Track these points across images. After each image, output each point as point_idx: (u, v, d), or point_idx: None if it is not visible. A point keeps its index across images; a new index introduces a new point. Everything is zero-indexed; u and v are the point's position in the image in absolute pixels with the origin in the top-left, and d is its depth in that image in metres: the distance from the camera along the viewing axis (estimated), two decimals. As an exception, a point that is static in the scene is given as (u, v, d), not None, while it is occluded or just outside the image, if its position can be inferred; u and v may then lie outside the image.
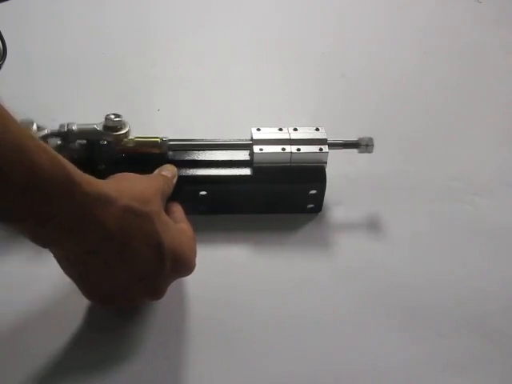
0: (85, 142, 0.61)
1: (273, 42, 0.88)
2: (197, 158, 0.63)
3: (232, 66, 0.84)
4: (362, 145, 0.64)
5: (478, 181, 0.70)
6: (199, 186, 0.62)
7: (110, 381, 0.51)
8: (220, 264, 0.60)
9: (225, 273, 0.60)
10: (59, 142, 0.60)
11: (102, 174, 0.60)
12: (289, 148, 0.62)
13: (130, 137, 0.62)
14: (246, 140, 0.64)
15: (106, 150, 0.61)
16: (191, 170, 0.62)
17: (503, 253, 0.63)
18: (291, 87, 0.81)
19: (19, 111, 0.60)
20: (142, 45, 0.86)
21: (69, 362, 0.52)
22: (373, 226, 0.65)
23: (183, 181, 0.60)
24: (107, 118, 0.61)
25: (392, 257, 0.62)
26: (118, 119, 0.61)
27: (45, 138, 0.60)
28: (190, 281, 0.55)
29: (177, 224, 0.55)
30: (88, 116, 0.61)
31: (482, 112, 0.79)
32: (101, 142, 0.61)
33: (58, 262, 0.50)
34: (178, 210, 0.58)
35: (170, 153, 0.63)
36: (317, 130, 0.64)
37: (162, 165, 0.60)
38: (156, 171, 0.59)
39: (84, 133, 0.61)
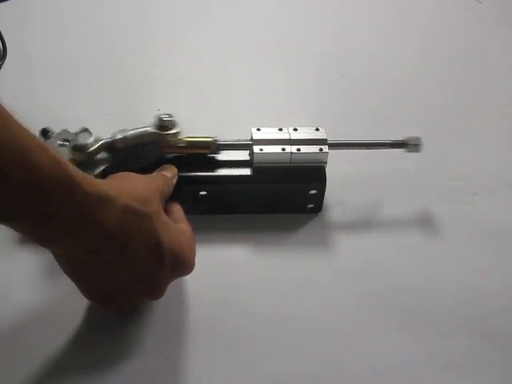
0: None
1: (273, 42, 0.88)
2: (197, 158, 0.63)
3: (232, 66, 0.84)
4: (409, 144, 0.64)
5: (478, 181, 0.70)
6: (199, 186, 0.62)
7: (110, 381, 0.51)
8: (220, 264, 0.60)
9: (225, 273, 0.60)
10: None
11: (103, 174, 0.61)
12: (289, 148, 0.62)
13: (180, 136, 0.62)
14: (245, 140, 0.64)
15: (150, 151, 0.61)
16: (191, 170, 0.62)
17: (503, 253, 0.63)
18: (291, 87, 0.81)
19: (19, 111, 0.60)
20: (141, 45, 0.86)
21: (68, 362, 0.52)
22: (373, 225, 0.65)
23: (183, 181, 0.60)
24: (159, 118, 0.61)
25: (392, 257, 0.62)
26: (170, 119, 0.61)
27: (99, 150, 0.59)
28: (189, 281, 0.55)
29: (176, 224, 0.55)
30: (88, 116, 0.62)
31: (482, 112, 0.79)
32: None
33: (58, 261, 0.50)
34: (177, 210, 0.58)
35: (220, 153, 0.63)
36: (317, 130, 0.64)
37: (208, 165, 0.61)
38: (156, 171, 0.59)
39: (137, 137, 0.61)
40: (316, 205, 0.65)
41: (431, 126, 0.76)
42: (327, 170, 0.63)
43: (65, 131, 0.61)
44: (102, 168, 0.59)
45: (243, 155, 0.64)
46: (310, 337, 0.55)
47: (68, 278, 0.51)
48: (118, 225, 0.47)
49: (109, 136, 0.60)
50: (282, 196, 0.64)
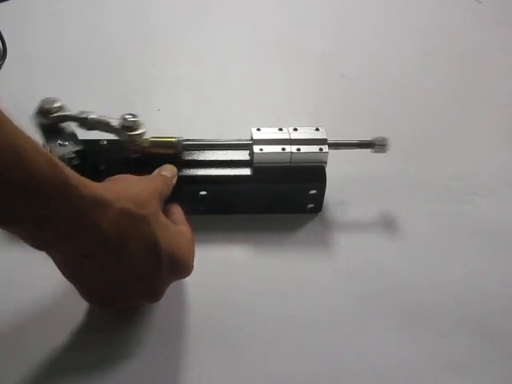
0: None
1: (273, 42, 0.88)
2: (197, 158, 0.63)
3: (232, 66, 0.84)
4: (376, 144, 0.64)
5: (478, 181, 0.70)
6: (199, 186, 0.62)
7: (110, 381, 0.51)
8: (220, 264, 0.60)
9: (225, 273, 0.60)
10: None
11: (102, 175, 0.61)
12: (289, 148, 0.62)
13: (145, 137, 0.62)
14: (246, 140, 0.64)
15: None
16: (191, 170, 0.62)
17: (503, 253, 0.63)
18: (291, 87, 0.81)
19: (19, 111, 0.61)
20: (141, 45, 0.86)
21: (68, 362, 0.52)
22: (373, 225, 0.65)
23: (183, 181, 0.60)
24: (124, 118, 0.61)
25: (392, 257, 0.62)
26: (134, 119, 0.61)
27: (63, 118, 0.61)
28: (189, 281, 0.55)
29: (176, 226, 0.55)
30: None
31: (482, 112, 0.79)
32: (100, 143, 0.61)
33: (57, 264, 0.50)
34: (177, 211, 0.58)
35: (186, 153, 0.63)
36: (317, 130, 0.64)
37: (176, 165, 0.60)
38: (156, 171, 0.59)
39: (99, 124, 0.61)
40: (316, 205, 0.65)
41: (431, 126, 0.76)
42: (327, 169, 0.63)
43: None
44: (70, 149, 0.60)
45: (243, 155, 0.64)
46: (309, 337, 0.55)
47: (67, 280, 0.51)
48: (114, 228, 0.47)
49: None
50: (282, 196, 0.64)
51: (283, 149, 0.62)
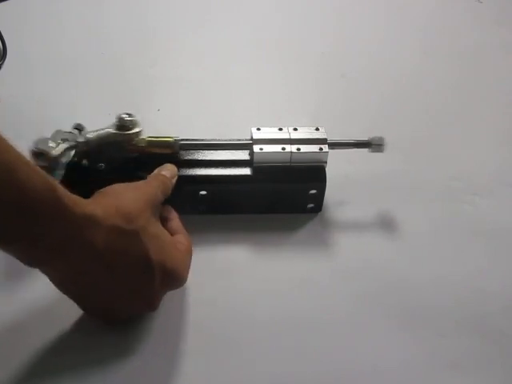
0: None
1: (273, 42, 0.88)
2: (197, 158, 0.63)
3: (232, 65, 0.84)
4: (373, 144, 0.64)
5: (478, 181, 0.70)
6: (199, 186, 0.62)
7: (110, 381, 0.51)
8: (220, 264, 0.60)
9: (224, 273, 0.60)
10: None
11: (101, 175, 0.61)
12: (289, 148, 0.62)
13: (142, 136, 0.62)
14: (246, 140, 0.64)
15: (114, 150, 0.61)
16: (191, 170, 0.62)
17: (503, 253, 0.63)
18: (291, 87, 0.81)
19: (19, 111, 0.61)
20: (141, 45, 0.86)
21: (68, 362, 0.52)
22: (373, 225, 0.65)
23: (183, 181, 0.60)
24: (120, 118, 0.61)
25: (392, 257, 0.62)
26: (130, 118, 0.61)
27: (61, 155, 0.59)
28: (189, 281, 0.55)
29: (171, 235, 0.55)
30: (88, 116, 0.62)
31: (482, 112, 0.79)
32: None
33: (52, 282, 0.50)
34: (174, 217, 0.58)
35: (182, 152, 0.63)
36: (317, 129, 0.64)
37: (176, 164, 0.60)
38: (156, 171, 0.59)
39: (101, 139, 0.60)
40: (316, 204, 0.65)
41: (431, 126, 0.76)
42: (327, 169, 0.63)
43: (59, 132, 0.61)
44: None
45: (243, 155, 0.64)
46: (309, 337, 0.55)
47: None
48: (105, 244, 0.47)
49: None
50: (282, 196, 0.64)
51: (283, 148, 0.62)
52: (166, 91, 0.79)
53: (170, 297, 0.55)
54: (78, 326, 0.54)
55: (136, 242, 0.49)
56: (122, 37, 0.87)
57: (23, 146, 0.63)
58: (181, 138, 0.62)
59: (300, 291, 0.59)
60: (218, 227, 0.63)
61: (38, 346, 0.53)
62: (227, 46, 0.87)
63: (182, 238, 0.56)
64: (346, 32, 0.91)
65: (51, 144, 0.58)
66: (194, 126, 0.72)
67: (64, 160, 0.59)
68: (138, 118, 0.61)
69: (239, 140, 0.64)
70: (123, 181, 0.55)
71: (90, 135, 0.60)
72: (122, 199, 0.51)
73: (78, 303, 0.52)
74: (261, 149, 0.62)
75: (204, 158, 0.63)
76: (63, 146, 0.59)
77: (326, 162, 0.63)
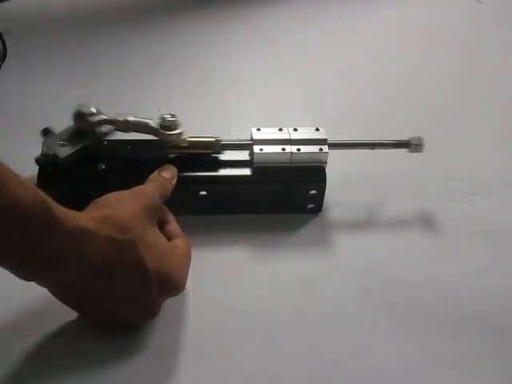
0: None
1: (273, 42, 0.87)
2: (197, 158, 0.63)
3: (232, 65, 0.84)
4: (412, 144, 0.64)
5: (478, 181, 0.70)
6: (199, 186, 0.62)
7: (110, 381, 0.51)
8: (220, 264, 0.60)
9: (225, 273, 0.60)
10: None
11: (101, 175, 0.61)
12: (289, 148, 0.62)
13: (183, 137, 0.62)
14: (246, 140, 0.64)
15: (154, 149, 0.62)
16: (191, 170, 0.62)
17: (503, 253, 0.63)
18: (291, 87, 0.81)
19: (19, 111, 0.61)
20: (141, 44, 0.86)
21: (68, 361, 0.52)
22: (373, 225, 0.65)
23: (183, 181, 0.60)
24: (163, 118, 0.61)
25: (392, 257, 0.62)
26: (173, 119, 0.61)
27: (99, 123, 0.61)
28: (189, 281, 0.55)
29: (169, 238, 0.55)
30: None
31: (482, 112, 0.79)
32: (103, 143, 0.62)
33: (50, 292, 0.50)
34: (172, 220, 0.58)
35: (223, 153, 0.63)
36: (317, 130, 0.64)
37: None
38: (155, 172, 0.59)
39: (138, 126, 0.61)
40: (316, 205, 0.65)
41: (431, 126, 0.76)
42: (327, 169, 0.63)
43: (64, 131, 0.62)
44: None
45: (243, 155, 0.64)
46: (309, 337, 0.55)
47: None
48: (99, 256, 0.48)
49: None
50: (282, 196, 0.64)
51: (283, 149, 0.62)
52: (166, 91, 0.79)
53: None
54: (79, 326, 0.54)
55: (132, 252, 0.49)
56: (121, 36, 0.87)
57: (23, 147, 0.64)
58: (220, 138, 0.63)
59: (300, 291, 0.59)
60: (217, 227, 0.63)
61: (38, 345, 0.53)
62: (227, 45, 0.87)
63: (180, 242, 0.56)
64: (347, 32, 0.91)
65: (92, 109, 0.60)
66: (194, 126, 0.72)
67: (103, 129, 0.61)
68: (179, 118, 0.62)
69: (239, 140, 0.64)
70: (123, 181, 0.55)
71: (130, 118, 0.61)
72: (116, 209, 0.51)
73: (78, 312, 0.52)
74: (261, 149, 0.62)
75: (204, 158, 0.63)
76: (103, 116, 0.61)
77: (325, 163, 0.63)
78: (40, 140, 0.61)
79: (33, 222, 0.44)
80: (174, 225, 0.57)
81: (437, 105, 0.80)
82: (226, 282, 0.59)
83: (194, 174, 0.62)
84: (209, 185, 0.63)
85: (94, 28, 0.88)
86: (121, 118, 0.61)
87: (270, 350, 0.54)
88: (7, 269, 0.46)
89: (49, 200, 0.45)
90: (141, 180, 0.57)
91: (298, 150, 0.62)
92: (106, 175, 0.61)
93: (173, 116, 0.61)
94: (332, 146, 0.63)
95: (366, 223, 0.65)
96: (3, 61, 0.81)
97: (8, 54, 0.81)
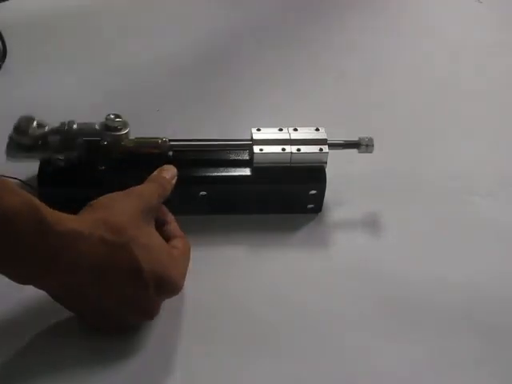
0: (83, 141, 0.61)
1: (272, 42, 0.87)
2: (197, 158, 0.63)
3: (232, 65, 0.84)
4: (362, 145, 0.64)
5: (478, 181, 0.70)
6: (199, 186, 0.62)
7: (110, 381, 0.51)
8: (220, 264, 0.60)
9: (224, 273, 0.60)
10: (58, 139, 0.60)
11: (101, 175, 0.61)
12: (289, 148, 0.62)
13: (131, 137, 0.62)
14: (245, 140, 0.64)
15: (105, 150, 0.61)
16: (191, 170, 0.62)
17: (503, 253, 0.63)
18: (291, 87, 0.81)
19: (19, 111, 0.61)
20: (141, 44, 0.86)
21: (68, 361, 0.52)
22: (373, 226, 0.65)
23: (183, 181, 0.60)
24: (107, 118, 0.61)
25: (392, 257, 0.62)
26: (118, 119, 0.61)
27: (45, 135, 0.60)
28: (189, 281, 0.55)
29: (168, 239, 0.55)
30: (88, 116, 0.61)
31: (482, 112, 0.79)
32: (101, 143, 0.61)
33: (49, 295, 0.50)
34: (171, 220, 0.57)
35: (170, 153, 0.63)
36: (317, 130, 0.64)
37: (162, 165, 0.60)
38: (155, 172, 0.59)
39: (84, 131, 0.61)
40: (316, 205, 0.65)
41: (431, 126, 0.76)
42: (327, 170, 0.63)
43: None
44: (48, 154, 0.60)
45: (243, 155, 0.64)
46: (309, 337, 0.55)
47: None
48: (93, 258, 0.48)
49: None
50: (282, 196, 0.64)
51: (283, 149, 0.62)
52: (166, 91, 0.79)
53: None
54: (78, 326, 0.54)
55: (126, 254, 0.49)
56: (121, 36, 0.87)
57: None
58: (173, 138, 0.62)
59: (300, 291, 0.59)
60: (217, 227, 0.63)
61: (38, 345, 0.53)
62: (227, 45, 0.87)
63: (178, 242, 0.55)
64: (347, 32, 0.91)
65: (34, 124, 0.59)
66: (194, 126, 0.72)
67: (43, 142, 0.60)
68: (125, 119, 0.61)
69: (239, 140, 0.64)
70: (123, 181, 0.55)
71: (74, 125, 0.61)
72: (111, 211, 0.51)
73: (76, 315, 0.52)
74: (261, 149, 0.62)
75: (204, 159, 0.63)
76: (45, 128, 0.60)
77: (325, 163, 0.63)
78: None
79: (24, 229, 0.44)
80: (173, 225, 0.57)
81: (437, 105, 0.80)
82: (226, 281, 0.59)
83: (193, 174, 0.62)
84: (209, 185, 0.63)
85: (94, 27, 0.88)
86: (64, 127, 0.60)
87: (269, 350, 0.54)
88: (2, 274, 0.46)
89: (40, 205, 0.46)
90: (140, 180, 0.57)
91: (298, 150, 0.62)
92: (106, 176, 0.61)
93: (117, 116, 0.61)
94: (332, 146, 0.63)
95: (365, 223, 0.65)
96: (3, 60, 0.81)
97: (8, 53, 0.81)
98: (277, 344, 0.55)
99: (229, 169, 0.63)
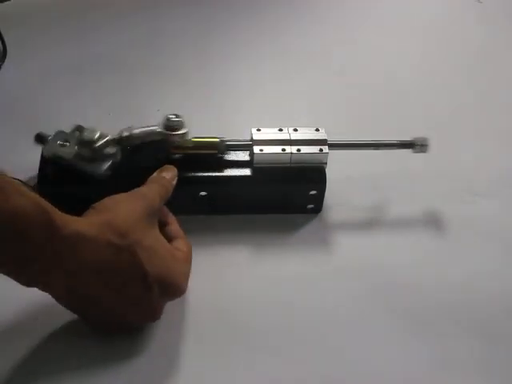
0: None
1: (272, 42, 0.87)
2: (197, 158, 0.63)
3: (232, 65, 0.84)
4: (417, 145, 0.64)
5: (479, 181, 0.70)
6: (199, 186, 0.62)
7: (110, 381, 0.51)
8: (220, 264, 0.60)
9: (225, 273, 0.60)
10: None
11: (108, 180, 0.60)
12: (289, 148, 0.62)
13: (188, 137, 0.62)
14: (245, 140, 0.64)
15: (158, 150, 0.61)
16: (191, 170, 0.62)
17: (504, 253, 0.63)
18: (291, 87, 0.81)
19: (19, 111, 0.61)
20: (141, 44, 0.86)
21: (68, 361, 0.52)
22: (373, 225, 0.65)
23: (183, 181, 0.60)
24: (167, 119, 0.61)
25: (392, 257, 0.62)
26: (178, 119, 0.61)
27: (105, 145, 0.60)
28: (190, 281, 0.55)
29: (170, 240, 0.55)
30: (88, 116, 0.62)
31: (482, 112, 0.79)
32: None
33: (53, 297, 0.50)
34: (172, 221, 0.58)
35: (227, 153, 0.63)
36: (317, 130, 0.64)
37: (209, 166, 0.61)
38: (155, 173, 0.59)
39: (145, 136, 0.61)
40: (316, 205, 0.65)
41: (431, 126, 0.76)
42: (327, 170, 0.63)
43: (61, 132, 0.61)
44: (109, 162, 0.60)
45: (243, 156, 0.64)
46: (310, 337, 0.55)
47: None
48: (99, 261, 0.48)
49: (115, 133, 0.61)
50: (282, 196, 0.64)
51: (283, 149, 0.62)
52: (166, 91, 0.79)
53: (170, 297, 0.55)
54: (79, 327, 0.54)
55: (131, 257, 0.49)
56: (122, 36, 0.87)
57: (23, 147, 0.64)
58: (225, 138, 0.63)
59: (300, 292, 0.59)
60: (218, 228, 0.63)
61: (38, 345, 0.53)
62: (227, 45, 0.87)
63: (180, 243, 0.56)
64: (347, 32, 0.91)
65: (96, 135, 0.59)
66: (195, 126, 0.72)
67: (108, 151, 0.60)
68: (184, 119, 0.61)
69: (239, 140, 0.64)
70: (123, 182, 0.55)
71: (135, 131, 0.61)
72: (115, 213, 0.51)
73: (79, 316, 0.53)
74: (261, 150, 0.62)
75: (204, 158, 0.63)
76: (108, 137, 0.60)
77: (325, 163, 0.63)
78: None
79: (34, 231, 0.44)
80: (174, 226, 0.57)
81: (437, 105, 0.80)
82: (226, 282, 0.59)
83: (194, 174, 0.62)
84: (209, 185, 0.63)
85: (94, 27, 0.88)
86: (126, 134, 0.61)
87: (270, 350, 0.54)
88: (8, 275, 0.46)
89: (49, 208, 0.46)
90: (142, 181, 0.57)
91: (298, 150, 0.62)
92: (111, 180, 0.61)
93: (177, 116, 0.61)
94: (332, 146, 0.63)
95: (366, 223, 0.65)
96: (3, 60, 0.81)
97: (8, 53, 0.81)
98: (278, 344, 0.55)
99: (229, 169, 0.63)
